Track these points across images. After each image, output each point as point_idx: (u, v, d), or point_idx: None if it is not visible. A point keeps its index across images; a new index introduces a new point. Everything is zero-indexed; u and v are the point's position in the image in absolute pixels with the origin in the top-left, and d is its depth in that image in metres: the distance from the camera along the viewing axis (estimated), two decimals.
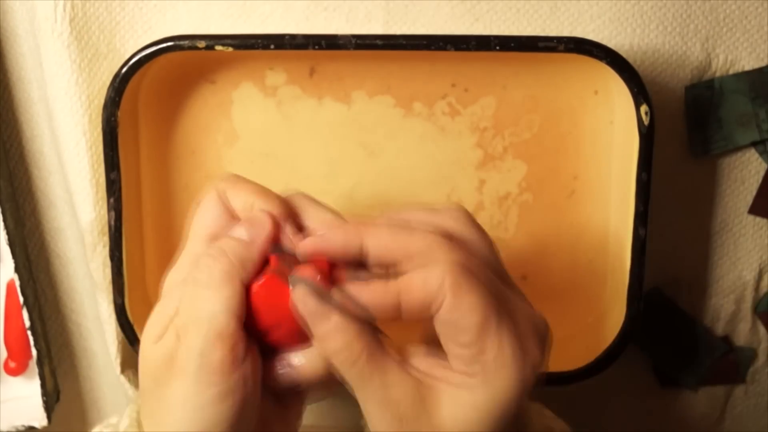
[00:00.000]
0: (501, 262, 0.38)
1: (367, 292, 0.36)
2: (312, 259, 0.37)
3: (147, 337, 0.37)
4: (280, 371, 0.38)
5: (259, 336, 0.37)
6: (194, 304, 0.36)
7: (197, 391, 0.35)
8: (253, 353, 0.36)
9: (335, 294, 0.35)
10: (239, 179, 0.39)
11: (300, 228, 0.38)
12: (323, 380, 0.38)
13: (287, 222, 0.38)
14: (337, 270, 0.36)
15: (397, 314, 0.35)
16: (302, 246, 0.37)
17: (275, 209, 0.38)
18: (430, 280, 0.35)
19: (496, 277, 0.37)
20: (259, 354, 0.37)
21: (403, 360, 0.36)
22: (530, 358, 0.36)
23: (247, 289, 0.36)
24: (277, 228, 0.38)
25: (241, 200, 0.39)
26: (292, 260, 0.37)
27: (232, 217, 0.39)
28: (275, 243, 0.38)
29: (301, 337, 0.37)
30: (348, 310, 0.35)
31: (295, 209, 0.39)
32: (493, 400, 0.35)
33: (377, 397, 0.35)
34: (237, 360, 0.35)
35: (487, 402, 0.35)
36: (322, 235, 0.37)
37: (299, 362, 0.37)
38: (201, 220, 0.39)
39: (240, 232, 0.37)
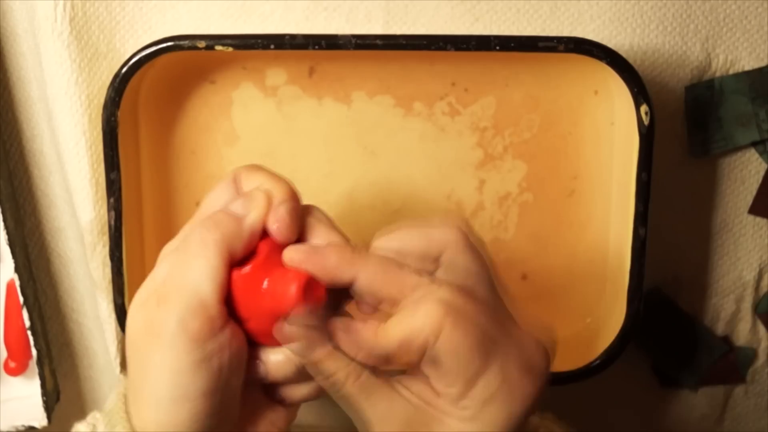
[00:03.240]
0: (493, 280, 0.38)
1: (354, 343, 0.36)
2: (295, 267, 0.36)
3: (133, 303, 0.37)
4: (255, 363, 0.38)
5: (238, 323, 0.37)
6: (180, 272, 0.36)
7: (174, 357, 0.35)
8: (235, 330, 0.36)
9: (323, 330, 0.35)
10: (257, 167, 0.39)
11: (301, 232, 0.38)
12: (293, 380, 0.38)
13: (285, 206, 0.37)
14: (317, 286, 0.36)
15: (385, 362, 0.36)
16: (291, 252, 0.37)
17: (280, 194, 0.37)
18: (415, 326, 0.35)
19: (489, 308, 0.37)
20: (243, 336, 0.37)
21: (395, 384, 0.37)
22: (521, 392, 0.36)
23: (231, 270, 0.36)
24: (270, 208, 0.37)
25: (253, 185, 0.38)
26: (279, 254, 0.37)
27: None
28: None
29: (270, 337, 0.37)
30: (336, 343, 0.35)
31: (306, 221, 0.38)
32: None
33: (366, 418, 0.36)
34: (214, 329, 0.35)
35: None
36: (318, 249, 0.37)
37: (271, 359, 0.38)
38: (210, 200, 0.39)
39: (235, 206, 0.37)
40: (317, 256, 0.36)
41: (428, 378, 0.36)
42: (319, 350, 0.35)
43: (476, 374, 0.35)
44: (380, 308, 0.37)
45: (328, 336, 0.35)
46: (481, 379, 0.35)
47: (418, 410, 0.36)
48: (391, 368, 0.36)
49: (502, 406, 0.36)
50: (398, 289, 0.36)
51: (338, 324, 0.36)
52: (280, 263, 0.37)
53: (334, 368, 0.35)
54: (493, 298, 0.37)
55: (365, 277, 0.36)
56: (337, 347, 0.35)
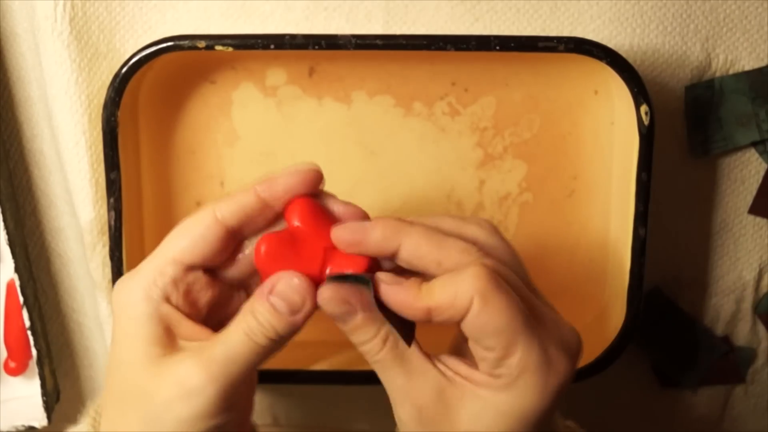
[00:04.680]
0: (527, 273, 0.39)
1: (398, 296, 0.36)
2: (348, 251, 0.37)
3: None
4: None
5: None
6: None
7: None
8: None
9: (365, 292, 0.36)
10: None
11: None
12: None
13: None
14: (372, 263, 0.37)
15: (426, 318, 0.36)
16: (338, 234, 0.37)
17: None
18: (460, 286, 0.35)
19: (528, 286, 0.37)
20: None
21: (429, 356, 0.37)
22: (556, 367, 0.36)
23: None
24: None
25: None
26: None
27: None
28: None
29: None
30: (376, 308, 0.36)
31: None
32: (515, 404, 0.36)
33: (397, 386, 0.36)
34: None
35: (509, 406, 0.36)
36: (361, 226, 0.37)
37: None
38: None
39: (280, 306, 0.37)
40: (364, 232, 0.37)
41: (465, 344, 0.36)
42: (357, 316, 0.36)
43: (515, 340, 0.35)
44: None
45: (366, 299, 0.36)
46: (519, 346, 0.35)
47: (451, 383, 0.36)
48: (430, 323, 0.36)
49: (537, 377, 0.35)
50: (444, 256, 0.36)
51: (383, 276, 0.36)
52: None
53: (372, 333, 0.36)
54: (527, 282, 0.38)
55: (411, 243, 0.36)
56: (373, 307, 0.36)
